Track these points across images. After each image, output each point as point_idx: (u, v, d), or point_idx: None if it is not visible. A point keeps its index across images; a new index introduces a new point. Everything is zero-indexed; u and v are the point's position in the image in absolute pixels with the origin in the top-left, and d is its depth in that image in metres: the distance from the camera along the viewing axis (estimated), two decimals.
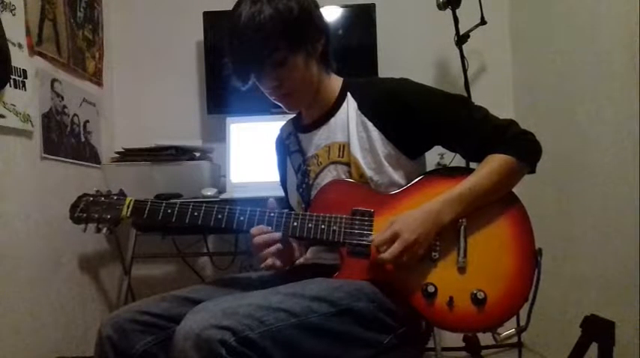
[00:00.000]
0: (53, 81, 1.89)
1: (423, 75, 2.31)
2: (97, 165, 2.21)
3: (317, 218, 1.10)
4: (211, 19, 2.30)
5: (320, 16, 1.18)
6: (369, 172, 1.15)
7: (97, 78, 2.28)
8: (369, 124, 1.17)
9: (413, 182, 1.14)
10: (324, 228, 1.10)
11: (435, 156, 2.06)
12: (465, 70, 2.17)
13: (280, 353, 0.89)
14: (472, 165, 1.19)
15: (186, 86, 2.49)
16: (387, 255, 1.02)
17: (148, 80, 2.49)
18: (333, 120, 1.22)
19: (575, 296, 1.90)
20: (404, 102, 1.14)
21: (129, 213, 1.14)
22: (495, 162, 1.09)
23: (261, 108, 2.06)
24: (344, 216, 1.10)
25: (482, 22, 2.15)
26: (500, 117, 1.14)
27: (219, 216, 1.11)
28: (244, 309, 0.89)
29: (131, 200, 1.15)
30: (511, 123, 1.13)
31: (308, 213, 1.12)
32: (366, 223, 1.10)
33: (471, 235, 1.07)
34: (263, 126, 2.14)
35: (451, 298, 1.03)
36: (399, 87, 1.17)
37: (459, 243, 1.06)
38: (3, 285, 1.55)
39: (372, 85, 1.22)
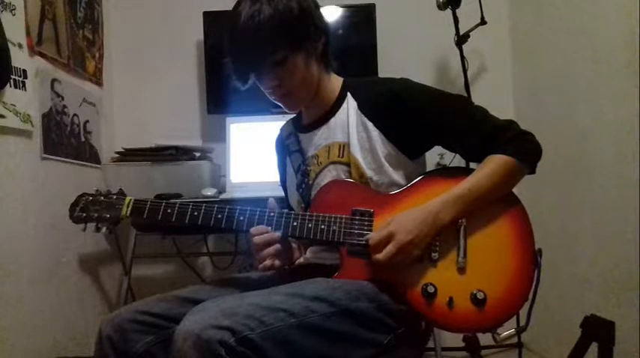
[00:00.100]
0: (53, 81, 1.89)
1: (423, 75, 2.33)
2: (97, 165, 2.21)
3: (317, 218, 1.10)
4: (211, 19, 2.30)
5: (320, 16, 1.18)
6: (369, 172, 1.15)
7: (97, 78, 2.28)
8: (369, 124, 1.17)
9: (413, 182, 1.14)
10: (323, 228, 1.10)
11: (435, 156, 2.06)
12: (465, 70, 2.17)
13: (280, 354, 0.89)
14: (472, 165, 1.19)
15: (186, 86, 2.49)
16: (380, 255, 1.02)
17: (148, 80, 2.49)
18: (333, 120, 1.22)
19: (575, 296, 1.90)
20: (404, 103, 1.14)
21: (128, 212, 1.14)
22: (495, 163, 1.09)
23: (261, 108, 2.06)
24: (344, 216, 1.10)
25: (482, 22, 2.15)
26: (500, 118, 1.14)
27: (219, 216, 1.11)
28: (244, 309, 0.89)
29: (131, 199, 1.15)
30: (511, 124, 1.13)
31: (308, 213, 1.12)
32: (366, 223, 1.10)
33: (471, 235, 1.07)
34: (263, 126, 2.14)
35: (451, 298, 1.03)
36: (399, 87, 1.17)
37: (458, 243, 1.06)
38: (3, 285, 1.56)
39: (372, 85, 1.22)
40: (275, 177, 1.44)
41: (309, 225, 1.10)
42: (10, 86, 1.59)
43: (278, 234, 1.10)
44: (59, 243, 1.87)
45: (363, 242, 1.07)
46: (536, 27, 2.23)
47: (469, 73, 2.19)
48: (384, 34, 2.32)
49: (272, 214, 1.11)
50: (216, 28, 2.29)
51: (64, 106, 1.97)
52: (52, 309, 1.82)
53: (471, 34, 2.15)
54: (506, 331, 1.08)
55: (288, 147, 1.32)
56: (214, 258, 2.44)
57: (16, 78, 1.63)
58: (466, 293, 1.03)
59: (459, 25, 2.13)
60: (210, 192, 2.03)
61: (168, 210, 1.12)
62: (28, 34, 1.71)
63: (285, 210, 1.14)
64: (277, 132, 1.41)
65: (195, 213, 1.12)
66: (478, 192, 1.07)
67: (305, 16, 1.13)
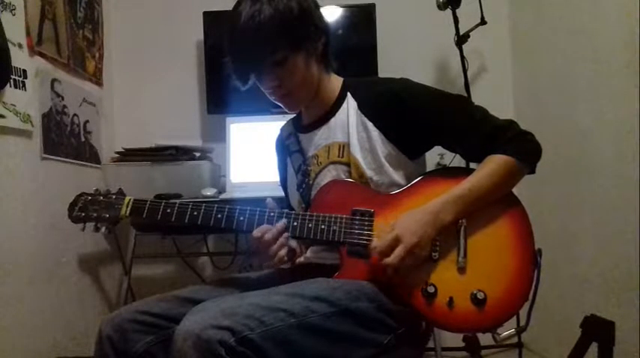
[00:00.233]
0: (53, 81, 1.89)
1: (423, 75, 2.33)
2: (97, 165, 2.21)
3: (317, 218, 1.10)
4: (211, 19, 2.30)
5: (320, 16, 1.18)
6: (369, 172, 1.15)
7: (97, 78, 2.28)
8: (369, 124, 1.17)
9: (413, 182, 1.14)
10: (324, 228, 1.10)
11: (435, 156, 2.06)
12: (465, 70, 2.17)
13: (280, 354, 0.89)
14: (472, 165, 1.19)
15: (186, 86, 2.49)
16: (391, 259, 1.01)
17: (148, 80, 2.49)
18: (333, 120, 1.22)
19: (575, 296, 1.90)
20: (404, 103, 1.14)
21: (128, 212, 1.14)
22: (495, 163, 1.09)
23: (261, 108, 2.06)
24: (344, 216, 1.10)
25: (483, 22, 2.15)
26: (500, 118, 1.14)
27: (219, 216, 1.11)
28: (244, 309, 0.89)
29: (130, 199, 1.15)
30: (511, 124, 1.13)
31: (308, 213, 1.12)
32: (366, 223, 1.10)
33: (471, 235, 1.07)
34: (263, 126, 2.14)
35: (451, 298, 1.03)
36: (399, 87, 1.17)
37: (458, 243, 1.06)
38: (3, 285, 1.55)
39: (372, 85, 1.22)
40: (275, 177, 1.44)
41: (310, 225, 1.10)
42: (10, 86, 1.59)
43: (281, 223, 1.09)
44: (59, 243, 1.87)
45: (365, 241, 1.07)
46: (536, 27, 2.23)
47: (469, 73, 2.19)
48: (384, 34, 2.32)
49: (272, 214, 1.11)
50: (216, 28, 2.29)
51: (64, 106, 1.97)
52: (52, 309, 1.82)
53: (471, 34, 2.15)
54: (507, 331, 1.07)
55: (289, 148, 1.32)
56: (214, 258, 2.44)
57: (16, 78, 1.63)
58: (466, 293, 1.03)
59: (459, 25, 2.13)
60: (210, 192, 2.03)
61: (168, 210, 1.12)
62: (28, 34, 1.71)
63: (286, 210, 1.14)
64: (277, 132, 1.41)
65: (195, 213, 1.11)
66: (478, 192, 1.07)
67: (305, 16, 1.12)
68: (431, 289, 1.03)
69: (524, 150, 1.10)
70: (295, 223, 1.11)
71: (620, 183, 1.64)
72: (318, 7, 1.19)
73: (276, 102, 1.20)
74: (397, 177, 1.16)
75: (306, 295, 0.97)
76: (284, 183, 1.40)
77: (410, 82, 1.19)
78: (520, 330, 1.12)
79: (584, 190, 1.83)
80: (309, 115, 1.28)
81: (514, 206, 1.10)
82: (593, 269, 1.78)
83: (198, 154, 2.17)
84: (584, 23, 1.83)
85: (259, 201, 1.15)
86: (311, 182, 1.23)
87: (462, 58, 2.16)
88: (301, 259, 1.27)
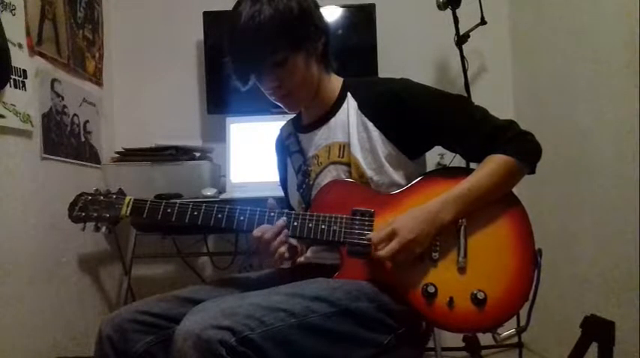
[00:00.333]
0: (53, 81, 1.89)
1: (423, 75, 2.33)
2: (97, 165, 2.21)
3: (317, 218, 1.10)
4: (211, 19, 2.30)
5: (320, 16, 1.18)
6: (369, 172, 1.15)
7: (97, 78, 2.28)
8: (370, 124, 1.17)
9: (413, 182, 1.14)
10: (324, 228, 1.10)
11: (435, 156, 2.06)
12: (465, 70, 2.17)
13: (280, 354, 0.89)
14: (472, 165, 1.19)
15: (186, 86, 2.49)
16: (383, 252, 1.02)
17: (148, 80, 2.49)
18: (333, 120, 1.22)
19: (575, 296, 1.90)
20: (404, 103, 1.14)
21: (128, 212, 1.14)
22: (495, 163, 1.09)
23: (261, 108, 2.06)
24: (344, 216, 1.10)
25: (483, 22, 2.15)
26: (500, 118, 1.14)
27: (219, 216, 1.11)
28: (244, 309, 0.89)
29: (130, 199, 1.15)
30: (511, 124, 1.13)
31: (308, 213, 1.12)
32: (367, 223, 1.10)
33: (471, 235, 1.07)
34: (263, 126, 2.14)
35: (451, 298, 1.03)
36: (399, 87, 1.17)
37: (459, 243, 1.06)
38: (3, 285, 1.55)
39: (372, 85, 1.22)
40: (275, 177, 1.44)
41: (310, 225, 1.10)
42: (10, 86, 1.59)
43: (281, 221, 1.09)
44: (59, 242, 1.87)
45: (365, 241, 1.07)
46: (536, 27, 2.23)
47: (469, 73, 2.19)
48: (384, 34, 2.32)
49: (272, 214, 1.11)
50: (216, 28, 2.29)
51: (64, 106, 1.97)
52: (52, 309, 1.82)
53: (471, 34, 2.15)
54: (507, 331, 1.08)
55: (289, 148, 1.32)
56: (214, 258, 2.44)
57: (16, 78, 1.63)
58: (466, 293, 1.03)
59: (459, 25, 2.13)
60: (210, 192, 2.03)
61: (168, 210, 1.12)
62: (28, 34, 1.71)
63: (286, 210, 1.14)
64: (277, 132, 1.41)
65: (195, 213, 1.11)
66: (478, 192, 1.07)
67: (305, 16, 1.12)
68: (431, 289, 1.03)
69: (524, 150, 1.10)
70: (295, 223, 1.11)
71: (620, 183, 1.64)
72: (318, 7, 1.19)
73: (277, 103, 1.20)
74: (397, 177, 1.16)
75: (306, 295, 0.97)
76: (284, 183, 1.40)
77: (410, 82, 1.19)
78: (520, 330, 1.12)
79: (584, 190, 1.83)
80: (309, 115, 1.28)
81: (514, 206, 1.10)
82: (593, 269, 1.79)
83: (198, 154, 2.17)
84: (584, 23, 1.83)
85: (259, 201, 1.15)
86: (311, 182, 1.23)
87: (462, 58, 2.16)
88: (301, 259, 1.27)
